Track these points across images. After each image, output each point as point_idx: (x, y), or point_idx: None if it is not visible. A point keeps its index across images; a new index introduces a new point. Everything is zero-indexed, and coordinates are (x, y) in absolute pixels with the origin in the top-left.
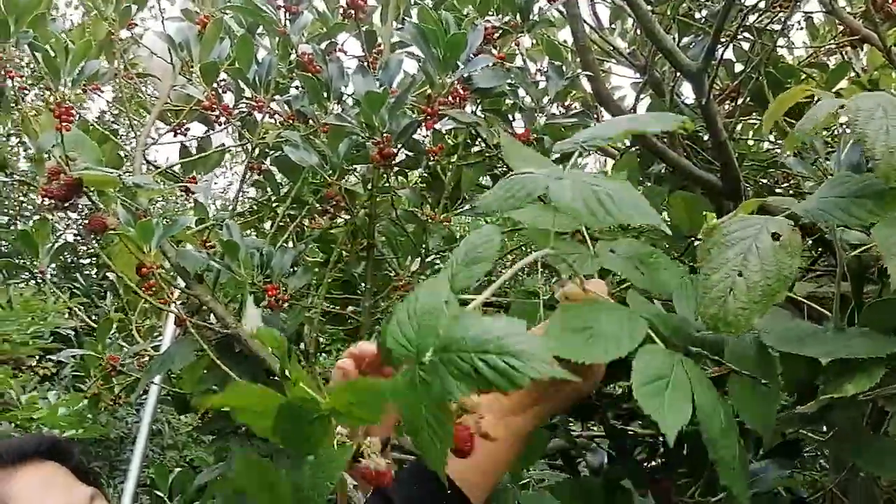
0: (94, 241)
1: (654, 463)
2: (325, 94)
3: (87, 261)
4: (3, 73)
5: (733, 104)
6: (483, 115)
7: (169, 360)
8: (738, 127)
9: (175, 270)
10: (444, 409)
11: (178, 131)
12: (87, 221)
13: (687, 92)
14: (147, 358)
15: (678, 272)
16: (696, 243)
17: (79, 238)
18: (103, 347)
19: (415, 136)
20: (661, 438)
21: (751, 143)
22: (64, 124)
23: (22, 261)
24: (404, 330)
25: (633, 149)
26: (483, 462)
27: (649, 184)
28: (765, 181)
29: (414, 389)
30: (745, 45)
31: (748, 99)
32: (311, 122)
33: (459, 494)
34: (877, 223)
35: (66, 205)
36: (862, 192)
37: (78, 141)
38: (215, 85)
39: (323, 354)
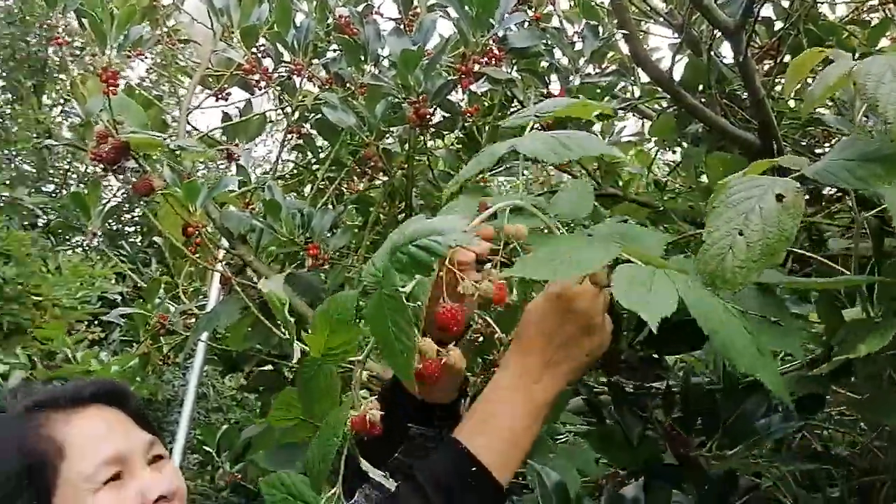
0: (141, 204)
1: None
2: (362, 57)
3: (132, 228)
4: (46, 41)
5: (772, 62)
6: (519, 76)
7: (215, 318)
8: (777, 86)
9: (219, 231)
10: (407, 321)
11: (219, 96)
12: (134, 184)
13: (725, 52)
14: (193, 318)
15: (660, 239)
16: None
17: (125, 203)
18: (152, 307)
19: (451, 98)
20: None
21: (791, 102)
22: (110, 89)
23: (67, 234)
24: (373, 265)
25: (671, 110)
26: (508, 435)
27: (686, 144)
28: (804, 141)
29: (380, 308)
30: (785, 2)
31: (787, 57)
32: (348, 84)
33: (485, 471)
34: (889, 187)
35: (115, 167)
36: (870, 156)
37: (124, 105)
38: (255, 50)
39: None
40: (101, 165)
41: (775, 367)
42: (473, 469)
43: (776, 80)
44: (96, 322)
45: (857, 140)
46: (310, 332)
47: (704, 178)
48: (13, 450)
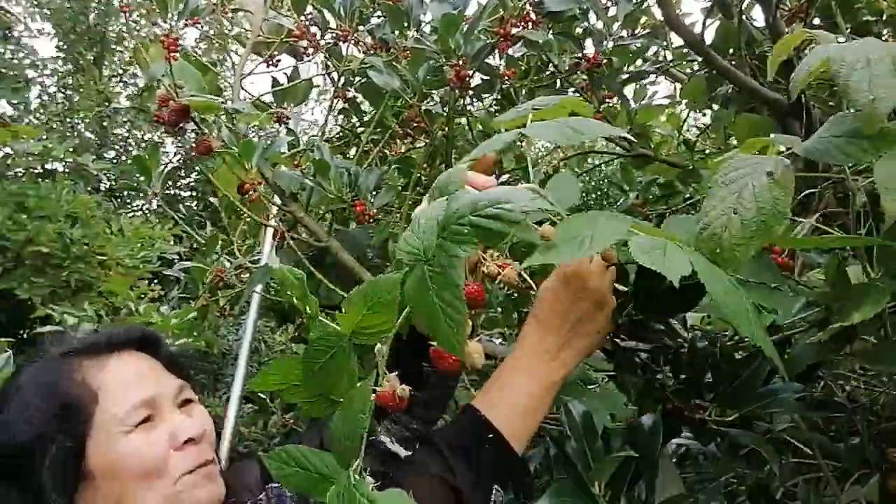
0: (196, 169)
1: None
2: (406, 22)
3: (188, 193)
4: (104, 15)
5: (802, 24)
6: (555, 40)
7: (269, 271)
8: (806, 49)
9: (272, 189)
10: (456, 296)
11: (270, 63)
12: (194, 145)
13: (755, 15)
14: (248, 273)
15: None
16: None
17: (181, 169)
18: (211, 261)
19: (489, 61)
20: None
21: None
22: (172, 55)
23: (128, 198)
24: (410, 241)
25: (702, 72)
26: (523, 408)
27: (716, 107)
28: (832, 101)
29: (424, 284)
30: None
31: (816, 19)
32: (392, 49)
33: (500, 438)
34: (878, 161)
35: (175, 129)
36: (858, 132)
37: (183, 71)
38: (303, 18)
39: None
40: (163, 127)
41: (769, 345)
42: (490, 436)
43: (804, 43)
44: (156, 280)
45: (847, 117)
46: (344, 308)
47: (734, 141)
48: (49, 395)
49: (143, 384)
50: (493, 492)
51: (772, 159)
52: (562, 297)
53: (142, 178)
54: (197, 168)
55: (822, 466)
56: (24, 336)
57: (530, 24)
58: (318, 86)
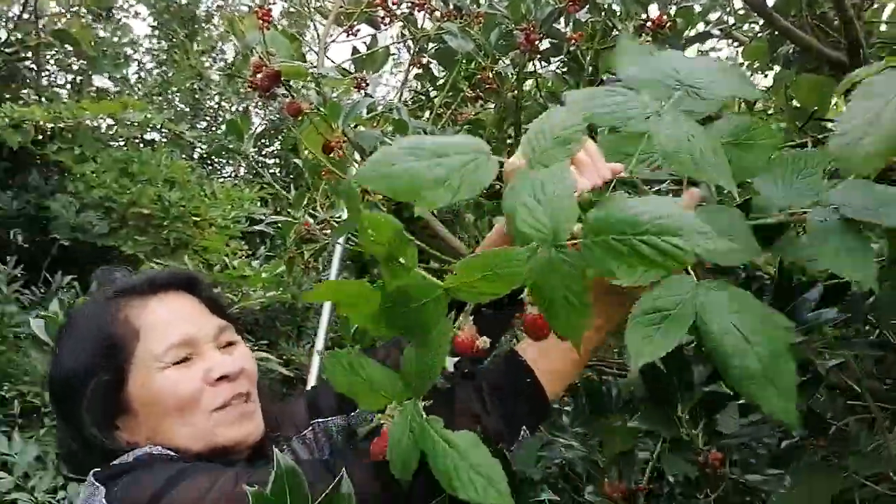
0: (288, 126)
1: None
2: None
3: (272, 160)
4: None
5: None
6: (621, 4)
7: (351, 223)
8: (868, 9)
9: (354, 148)
10: (583, 287)
11: (350, 32)
12: (286, 107)
13: None
14: (330, 228)
15: (766, 151)
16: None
17: (265, 137)
18: (300, 215)
19: (557, 26)
20: None
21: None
22: (265, 25)
23: (219, 164)
24: (536, 214)
25: (764, 34)
26: (560, 363)
27: (777, 68)
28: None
29: (552, 269)
30: None
31: None
32: (465, 15)
33: (537, 384)
34: None
35: (267, 94)
36: None
37: (274, 40)
38: None
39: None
40: (252, 97)
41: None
42: (528, 380)
43: (865, 2)
44: (244, 239)
45: None
46: (458, 270)
47: (794, 103)
48: (95, 333)
49: (182, 324)
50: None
51: None
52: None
53: (232, 146)
54: (280, 136)
55: (872, 408)
56: None
57: None
58: (395, 54)
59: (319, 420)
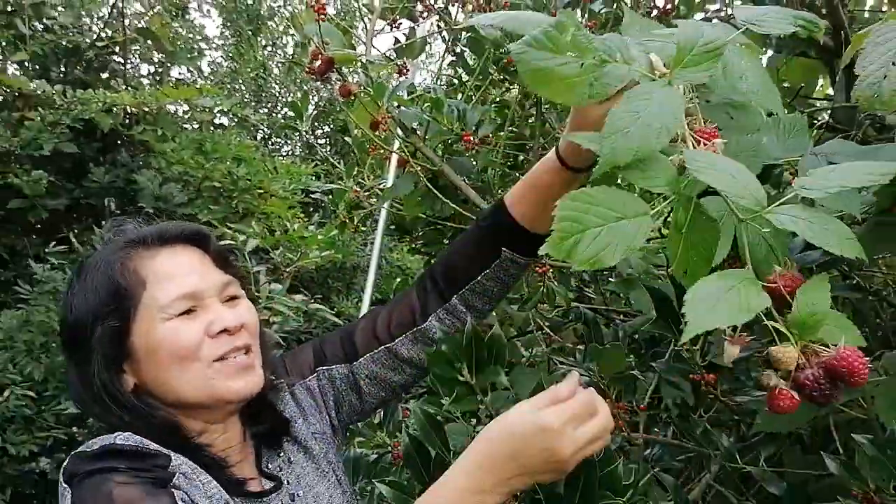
0: (340, 105)
1: None
2: None
3: (323, 141)
4: None
5: None
6: None
7: (395, 189)
8: None
9: (397, 125)
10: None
11: (393, 25)
12: (339, 89)
13: None
14: (375, 197)
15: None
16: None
17: (318, 120)
18: (352, 182)
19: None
20: None
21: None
22: (320, 17)
23: (278, 144)
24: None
25: None
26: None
27: (770, 52)
28: None
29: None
30: None
31: None
32: (493, 6)
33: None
34: None
35: (323, 77)
36: None
37: (328, 31)
38: None
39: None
40: (309, 83)
41: None
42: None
43: None
44: (300, 208)
45: None
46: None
47: (786, 84)
48: (105, 280)
49: (188, 277)
50: None
51: None
52: (525, 447)
53: (290, 128)
54: (330, 119)
55: None
56: None
57: None
58: (430, 43)
59: (324, 367)
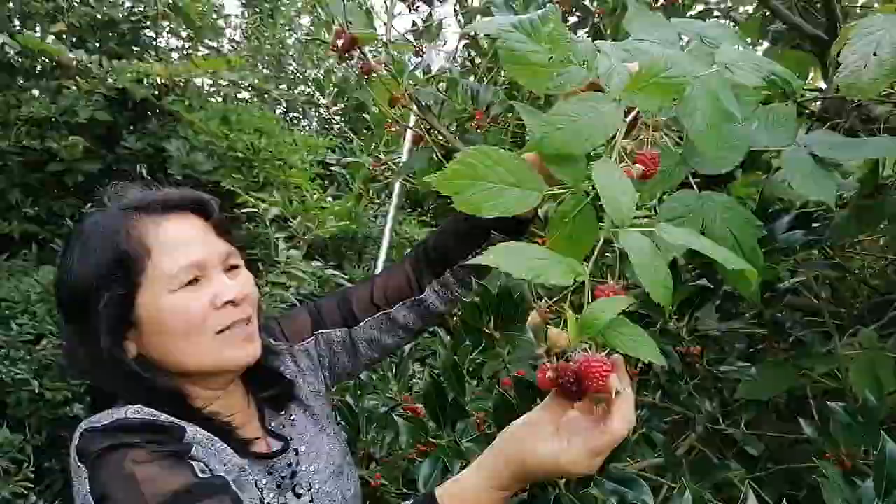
0: (357, 86)
1: None
2: None
3: (338, 117)
4: None
5: None
6: None
7: (411, 164)
8: None
9: (414, 103)
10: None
11: (411, 8)
12: (360, 66)
13: None
14: (390, 171)
15: (749, 104)
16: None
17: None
18: (368, 154)
19: (585, 2)
20: None
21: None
22: None
23: (296, 118)
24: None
25: (757, 14)
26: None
27: (766, 44)
28: None
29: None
30: None
31: None
32: None
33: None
34: None
35: (346, 55)
36: None
37: (352, 10)
38: None
39: None
40: (337, 56)
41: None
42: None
43: None
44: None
45: None
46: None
47: None
48: (109, 245)
49: (193, 247)
50: None
51: None
52: (538, 465)
53: (310, 103)
54: (345, 97)
55: (828, 323)
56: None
57: None
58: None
59: (322, 331)
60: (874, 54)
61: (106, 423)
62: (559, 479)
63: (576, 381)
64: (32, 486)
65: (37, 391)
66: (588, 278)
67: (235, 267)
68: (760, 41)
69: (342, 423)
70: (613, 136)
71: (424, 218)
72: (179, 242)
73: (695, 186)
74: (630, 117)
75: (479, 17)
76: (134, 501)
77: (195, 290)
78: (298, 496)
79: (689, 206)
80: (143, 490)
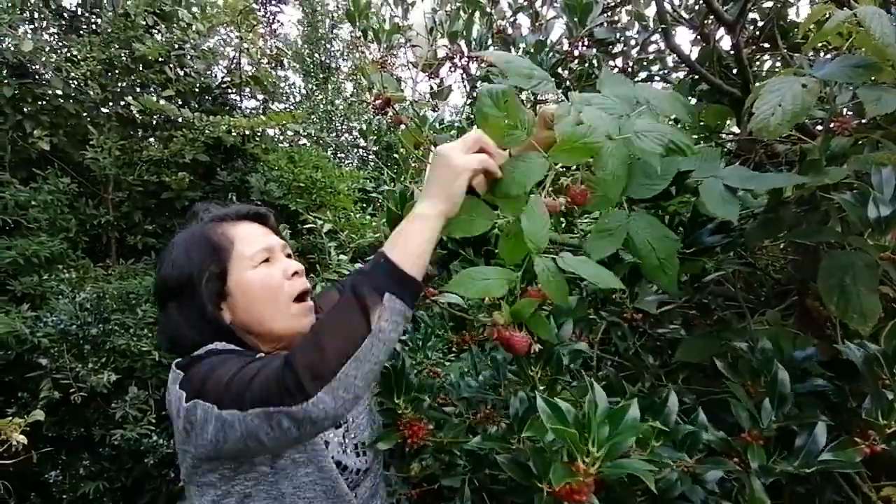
0: (389, 132)
1: None
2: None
3: (373, 156)
4: (327, 49)
5: (754, 46)
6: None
7: None
8: (756, 62)
9: (432, 145)
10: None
11: (431, 76)
12: (392, 119)
13: (723, 43)
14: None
15: (687, 149)
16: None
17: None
18: (397, 183)
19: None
20: None
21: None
22: (382, 69)
23: (342, 157)
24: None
25: (686, 77)
26: (414, 246)
27: (693, 100)
28: None
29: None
30: (767, 4)
31: (766, 44)
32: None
33: (389, 262)
34: (863, 84)
35: (382, 112)
36: (860, 63)
37: (386, 79)
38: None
39: None
40: (376, 111)
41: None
42: (381, 262)
43: (755, 58)
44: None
45: (852, 56)
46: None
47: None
48: (203, 242)
49: (263, 238)
50: (391, 299)
51: (805, 77)
52: (433, 173)
53: (354, 146)
54: (380, 141)
55: (742, 305)
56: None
57: (587, 46)
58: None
59: None
60: (779, 105)
61: (201, 352)
62: (447, 168)
63: (509, 346)
64: (154, 428)
65: (157, 359)
66: (519, 284)
67: (289, 256)
68: (689, 98)
69: None
70: (541, 182)
71: None
72: (253, 235)
73: (625, 207)
74: (558, 166)
75: (479, 83)
76: (217, 365)
77: (269, 266)
78: (338, 425)
79: (619, 222)
80: (225, 358)
